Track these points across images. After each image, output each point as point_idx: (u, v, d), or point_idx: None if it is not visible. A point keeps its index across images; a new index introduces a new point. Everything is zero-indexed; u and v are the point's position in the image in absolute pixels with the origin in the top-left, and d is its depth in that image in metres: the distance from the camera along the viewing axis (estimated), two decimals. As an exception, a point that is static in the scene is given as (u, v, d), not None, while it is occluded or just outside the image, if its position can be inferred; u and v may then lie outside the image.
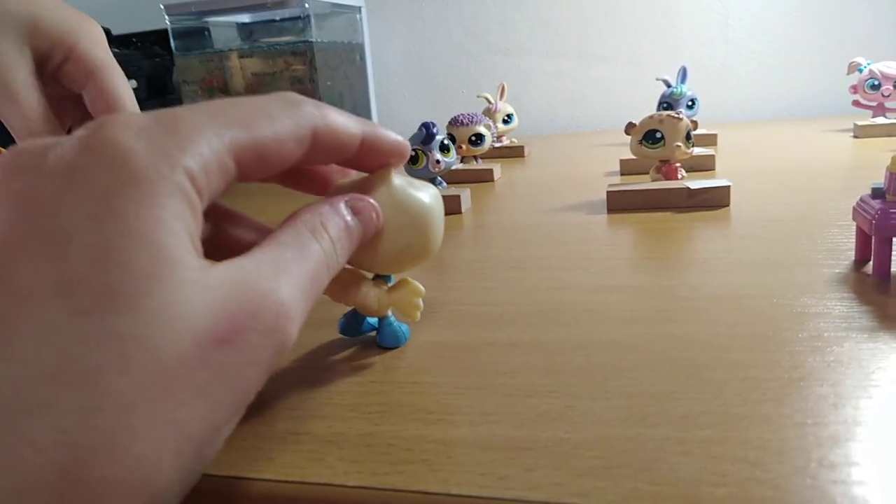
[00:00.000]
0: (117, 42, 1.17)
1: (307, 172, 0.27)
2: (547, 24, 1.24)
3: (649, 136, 0.58)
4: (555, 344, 0.30)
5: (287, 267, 0.20)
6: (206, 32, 1.19)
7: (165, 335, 0.16)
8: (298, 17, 1.03)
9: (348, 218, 0.24)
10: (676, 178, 0.58)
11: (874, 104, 0.89)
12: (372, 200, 0.25)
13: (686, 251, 0.43)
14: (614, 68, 1.22)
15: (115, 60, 0.42)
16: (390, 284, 0.30)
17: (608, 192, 0.57)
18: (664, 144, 0.57)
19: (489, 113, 0.97)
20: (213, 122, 0.19)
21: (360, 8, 1.21)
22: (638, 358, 0.28)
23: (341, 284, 0.29)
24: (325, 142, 0.22)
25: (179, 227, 0.17)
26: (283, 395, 0.27)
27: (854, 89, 0.90)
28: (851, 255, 0.39)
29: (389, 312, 0.31)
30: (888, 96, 0.87)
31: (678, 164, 0.59)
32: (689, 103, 0.91)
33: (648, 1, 1.19)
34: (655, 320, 0.32)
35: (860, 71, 0.89)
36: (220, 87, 1.16)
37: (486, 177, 0.77)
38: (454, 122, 0.79)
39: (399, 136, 0.25)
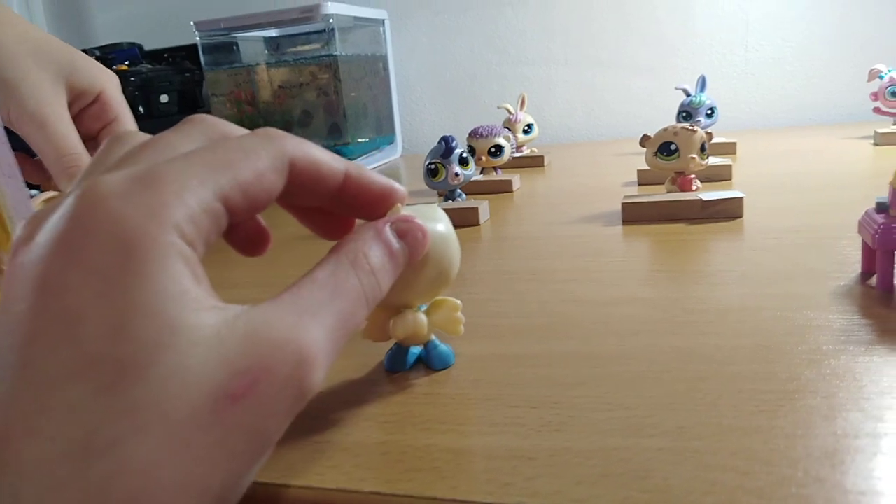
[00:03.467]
0: (149, 57, 1.21)
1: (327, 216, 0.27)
2: (566, 34, 1.25)
3: (664, 149, 0.59)
4: (562, 356, 0.31)
5: (315, 310, 0.20)
6: (235, 47, 1.22)
7: (179, 398, 0.17)
8: (323, 31, 1.06)
9: (393, 243, 0.24)
10: (691, 190, 0.59)
11: (895, 111, 0.89)
12: (418, 220, 0.25)
13: (697, 263, 0.44)
14: (633, 76, 1.23)
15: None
16: (423, 309, 0.31)
17: (623, 203, 0.58)
18: (679, 156, 0.58)
19: (510, 123, 0.98)
20: (193, 171, 0.19)
21: (383, 21, 1.24)
22: (641, 370, 0.29)
23: (379, 323, 0.30)
24: (304, 172, 0.22)
25: (180, 289, 0.18)
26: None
27: (875, 96, 0.90)
28: (858, 267, 0.39)
29: (433, 336, 0.32)
30: (910, 103, 0.87)
31: (693, 176, 0.60)
32: (709, 112, 0.92)
33: (667, 8, 1.19)
34: (661, 332, 0.33)
35: (881, 78, 0.89)
36: (247, 100, 1.19)
37: (505, 188, 0.79)
38: (474, 134, 0.81)
39: (391, 181, 0.25)
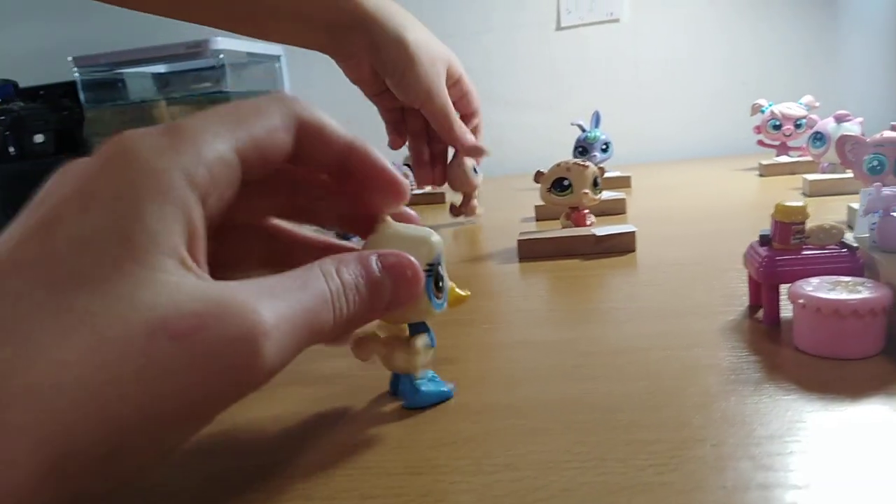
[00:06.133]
0: (23, 95, 1.13)
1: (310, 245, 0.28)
2: (466, 71, 1.26)
3: (557, 184, 0.59)
4: (446, 411, 0.29)
5: (278, 294, 0.19)
6: (120, 83, 1.16)
7: (117, 317, 0.17)
8: (213, 67, 1.02)
9: (375, 269, 0.23)
10: (585, 225, 0.59)
11: (777, 143, 0.93)
12: (410, 257, 0.24)
13: (590, 301, 0.43)
14: (535, 113, 1.25)
15: None
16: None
17: (519, 240, 0.57)
18: (572, 192, 0.58)
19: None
20: (210, 124, 0.20)
21: (279, 57, 1.21)
22: (529, 425, 0.27)
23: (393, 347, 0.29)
24: (311, 133, 0.23)
25: (163, 230, 0.18)
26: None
27: (758, 129, 0.94)
28: (747, 300, 0.39)
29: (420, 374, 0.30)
30: (789, 136, 0.91)
31: (587, 211, 0.60)
32: (604, 147, 0.93)
33: (563, 48, 1.22)
34: (552, 378, 0.31)
35: (762, 112, 0.93)
36: (134, 139, 1.13)
37: (404, 225, 0.77)
38: (371, 172, 0.79)
39: (398, 173, 0.26)
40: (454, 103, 0.64)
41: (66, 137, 1.08)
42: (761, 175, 0.90)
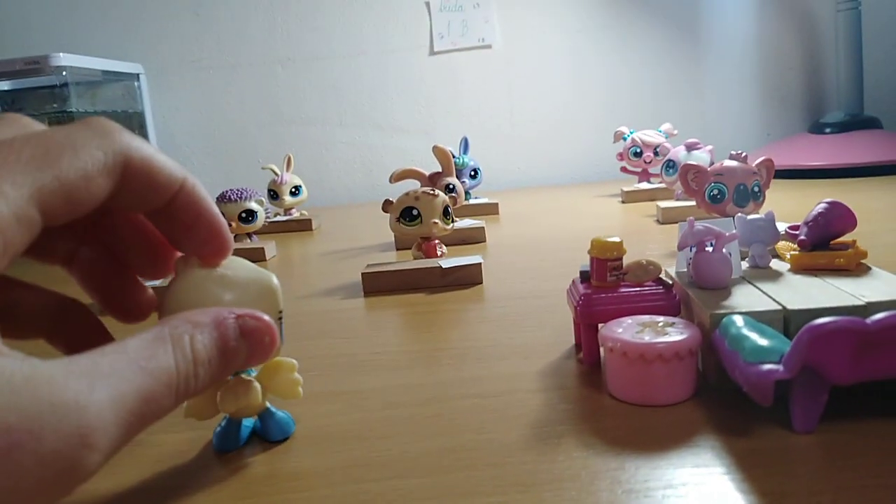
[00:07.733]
0: None
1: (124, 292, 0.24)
2: (339, 94, 1.23)
3: (406, 214, 0.56)
4: (210, 482, 0.25)
5: (113, 381, 0.16)
6: (-43, 101, 1.06)
7: None
8: (55, 86, 0.94)
9: (231, 338, 0.20)
10: (436, 255, 0.57)
11: (639, 170, 0.95)
12: (269, 321, 0.21)
13: (419, 341, 0.41)
14: (408, 137, 1.23)
15: None
16: (253, 374, 0.27)
17: (363, 273, 0.54)
18: (421, 222, 0.56)
19: (275, 185, 0.93)
20: (9, 170, 0.16)
21: (138, 75, 1.14)
22: (302, 497, 0.24)
23: (207, 399, 0.26)
24: (138, 176, 0.19)
25: None
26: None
27: (620, 156, 0.95)
28: (574, 338, 0.38)
29: (267, 403, 0.28)
30: (650, 163, 0.93)
31: (437, 241, 0.58)
32: (472, 173, 0.92)
33: (436, 72, 1.21)
34: (347, 438, 0.28)
35: (624, 139, 0.95)
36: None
37: (257, 256, 0.73)
38: (222, 199, 0.74)
39: (225, 223, 0.22)
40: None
41: None
42: (623, 202, 0.91)
